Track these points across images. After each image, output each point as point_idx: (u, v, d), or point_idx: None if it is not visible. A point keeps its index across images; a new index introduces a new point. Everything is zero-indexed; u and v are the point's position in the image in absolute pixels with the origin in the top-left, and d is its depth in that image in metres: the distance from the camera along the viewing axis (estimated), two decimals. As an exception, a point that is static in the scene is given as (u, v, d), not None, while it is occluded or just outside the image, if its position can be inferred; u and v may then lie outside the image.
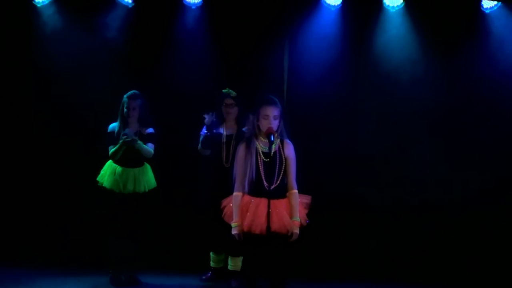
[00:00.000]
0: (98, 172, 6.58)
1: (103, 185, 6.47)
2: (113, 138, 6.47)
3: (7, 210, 7.60)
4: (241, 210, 5.08)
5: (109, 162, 6.52)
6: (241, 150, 5.15)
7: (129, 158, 6.45)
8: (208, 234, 6.73)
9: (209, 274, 6.82)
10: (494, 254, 7.13)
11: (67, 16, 7.55)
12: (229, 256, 6.67)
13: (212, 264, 6.80)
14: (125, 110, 6.45)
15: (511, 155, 7.21)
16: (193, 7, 7.51)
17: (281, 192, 5.10)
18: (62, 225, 7.53)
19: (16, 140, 7.61)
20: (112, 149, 6.44)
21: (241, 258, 6.56)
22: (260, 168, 5.10)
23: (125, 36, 7.52)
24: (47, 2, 7.51)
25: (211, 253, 6.79)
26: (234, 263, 6.64)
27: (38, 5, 7.52)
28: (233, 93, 6.63)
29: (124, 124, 6.47)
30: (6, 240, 7.55)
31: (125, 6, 7.51)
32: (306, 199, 5.22)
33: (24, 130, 7.61)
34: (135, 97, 6.47)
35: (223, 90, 6.65)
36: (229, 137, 6.62)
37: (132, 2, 7.50)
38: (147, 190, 6.53)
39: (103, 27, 7.47)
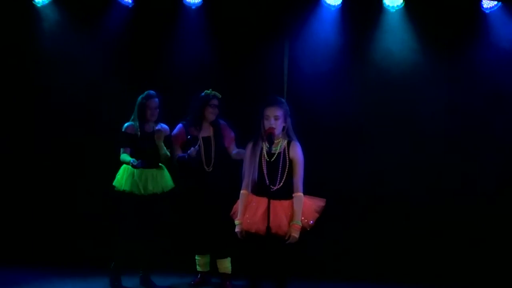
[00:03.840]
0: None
1: (123, 188, 6.41)
2: (126, 138, 6.43)
3: (7, 210, 7.61)
4: (244, 208, 5.11)
5: (124, 165, 6.47)
6: (248, 149, 5.20)
7: (149, 159, 6.42)
8: (191, 236, 6.68)
9: (198, 277, 6.77)
10: (494, 254, 7.15)
11: (67, 16, 7.56)
12: (216, 259, 6.60)
13: (198, 268, 6.72)
14: (148, 111, 6.42)
15: (511, 154, 7.21)
16: (193, 7, 7.51)
17: (285, 193, 5.08)
18: (63, 225, 7.54)
19: (16, 140, 7.61)
20: (125, 157, 6.38)
21: (228, 259, 6.55)
22: (263, 168, 5.11)
23: (125, 36, 7.53)
24: (47, 2, 7.51)
25: (196, 256, 6.72)
26: (222, 265, 6.57)
27: (38, 5, 7.52)
28: (219, 95, 6.55)
29: (143, 125, 6.44)
30: (6, 240, 7.56)
31: (125, 6, 7.52)
32: (320, 201, 5.19)
33: (25, 129, 7.61)
34: (154, 96, 6.48)
35: (207, 91, 6.56)
36: (206, 139, 6.52)
37: (132, 2, 7.51)
38: (164, 191, 6.50)
39: (103, 27, 7.48)
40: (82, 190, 7.47)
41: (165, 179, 6.55)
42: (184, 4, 7.50)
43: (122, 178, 6.44)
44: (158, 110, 6.48)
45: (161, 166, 6.56)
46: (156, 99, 6.47)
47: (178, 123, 6.67)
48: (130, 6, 7.52)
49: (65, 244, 7.50)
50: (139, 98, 6.48)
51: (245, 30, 7.44)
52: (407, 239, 7.27)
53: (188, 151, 6.37)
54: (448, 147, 7.30)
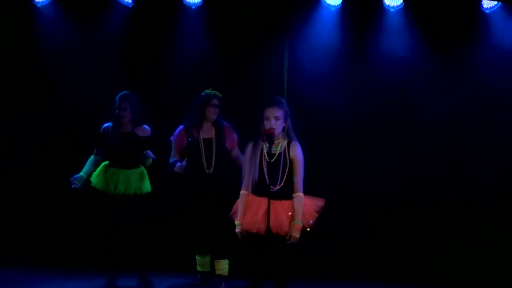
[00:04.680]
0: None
1: (95, 186, 6.47)
2: (101, 139, 6.45)
3: (7, 210, 7.61)
4: (244, 208, 5.12)
5: (104, 163, 6.50)
6: (248, 149, 5.19)
7: (123, 160, 6.44)
8: (191, 237, 6.68)
9: (198, 277, 6.78)
10: (494, 254, 7.15)
11: (67, 16, 7.56)
12: (214, 260, 6.59)
13: (198, 268, 6.72)
14: (116, 111, 6.43)
15: (511, 153, 7.22)
16: (193, 7, 7.52)
17: (286, 193, 5.08)
18: (62, 225, 7.54)
19: (16, 140, 7.61)
20: (91, 161, 6.47)
21: (226, 261, 6.55)
22: (264, 168, 5.10)
23: (125, 36, 7.53)
24: (47, 2, 7.52)
25: (196, 256, 6.71)
26: (219, 267, 6.55)
27: (38, 5, 7.53)
28: (219, 94, 6.51)
29: (117, 125, 6.45)
30: (6, 240, 7.56)
31: (125, 6, 7.52)
32: (320, 201, 5.18)
33: (24, 129, 7.61)
34: (125, 98, 6.42)
35: (207, 91, 6.52)
36: (207, 141, 6.46)
37: (132, 2, 7.51)
38: (138, 193, 6.46)
39: (103, 27, 7.48)
40: (82, 190, 7.46)
41: (139, 181, 6.48)
42: (184, 4, 7.50)
43: (99, 174, 6.47)
44: (127, 110, 6.39)
45: (140, 168, 6.51)
46: (129, 101, 6.38)
47: (179, 125, 6.59)
48: (130, 6, 7.53)
49: (65, 244, 7.50)
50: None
51: (245, 30, 7.44)
52: (407, 239, 7.27)
53: (178, 164, 6.36)
54: (448, 146, 7.30)
